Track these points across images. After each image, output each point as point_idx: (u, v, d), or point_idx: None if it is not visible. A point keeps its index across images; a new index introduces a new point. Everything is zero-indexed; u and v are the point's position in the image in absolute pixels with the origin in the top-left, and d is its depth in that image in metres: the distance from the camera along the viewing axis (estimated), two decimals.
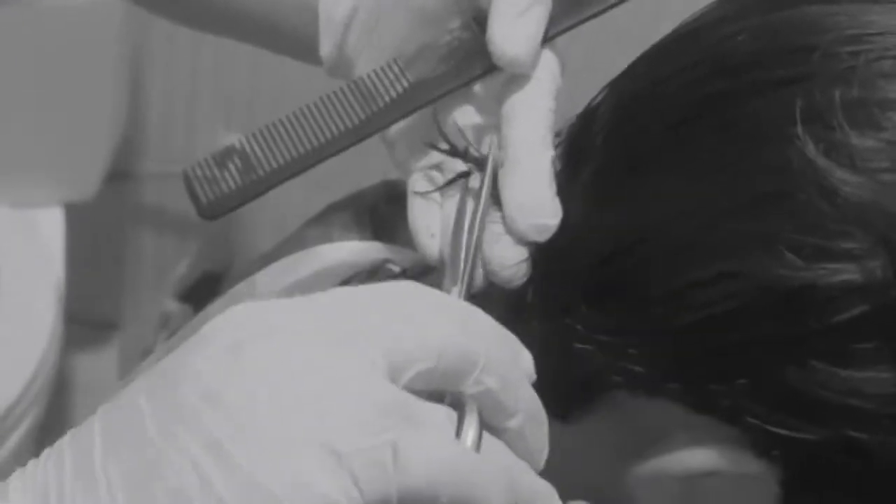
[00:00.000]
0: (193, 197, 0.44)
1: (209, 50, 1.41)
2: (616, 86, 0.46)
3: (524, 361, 0.37)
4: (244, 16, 0.53)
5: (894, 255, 0.35)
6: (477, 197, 0.43)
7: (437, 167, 0.46)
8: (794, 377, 0.37)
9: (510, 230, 0.42)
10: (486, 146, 0.44)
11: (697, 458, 0.41)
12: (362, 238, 0.67)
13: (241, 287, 0.64)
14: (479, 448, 0.34)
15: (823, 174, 0.36)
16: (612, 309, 0.41)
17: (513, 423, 0.36)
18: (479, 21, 0.43)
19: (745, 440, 0.39)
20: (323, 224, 0.66)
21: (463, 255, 0.42)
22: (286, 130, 0.43)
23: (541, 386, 0.45)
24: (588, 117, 0.46)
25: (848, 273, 0.36)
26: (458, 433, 0.34)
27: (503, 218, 0.43)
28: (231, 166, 0.43)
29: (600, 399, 0.43)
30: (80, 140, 1.29)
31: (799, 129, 0.37)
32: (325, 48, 0.48)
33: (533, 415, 0.37)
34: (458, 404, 0.35)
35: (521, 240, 0.42)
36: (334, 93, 0.44)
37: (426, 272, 0.57)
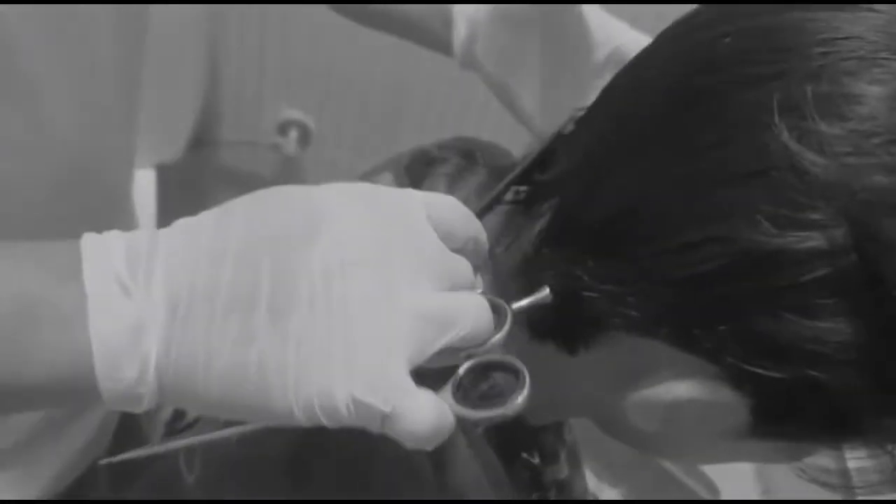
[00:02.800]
0: None
1: (274, 39, 1.40)
2: (620, 75, 0.45)
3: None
4: (396, 19, 0.62)
5: (854, 225, 0.35)
6: None
7: None
8: (767, 326, 0.37)
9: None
10: None
11: (682, 388, 0.41)
12: None
13: None
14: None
15: (796, 156, 0.35)
16: (614, 263, 0.40)
17: None
18: None
19: (723, 375, 0.39)
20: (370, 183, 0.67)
21: None
22: None
23: (550, 324, 0.45)
24: (601, 98, 0.46)
25: (814, 240, 0.35)
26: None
27: None
28: None
29: (601, 337, 0.43)
30: (170, 113, 1.30)
31: (776, 118, 0.36)
32: (458, 51, 0.55)
33: None
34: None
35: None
36: None
37: None
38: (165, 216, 1.37)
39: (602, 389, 0.45)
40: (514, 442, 0.53)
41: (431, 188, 0.67)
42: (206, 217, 0.36)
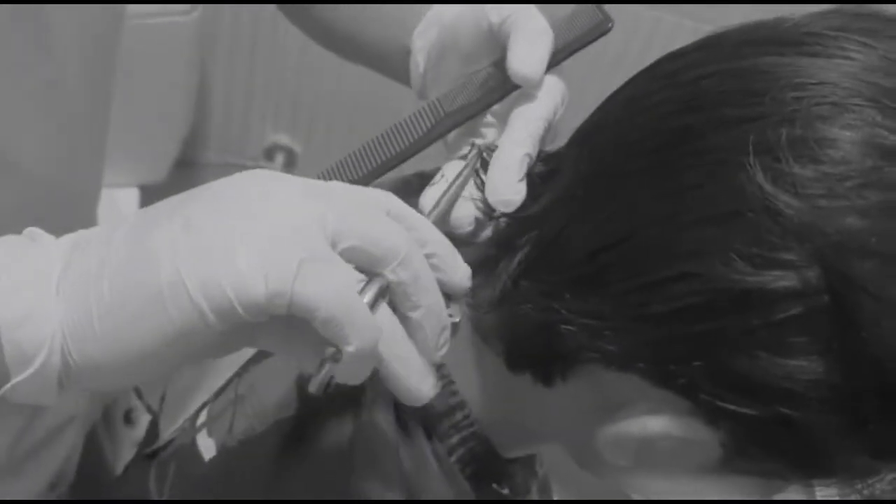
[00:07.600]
0: None
1: (261, 63, 1.41)
2: (600, 115, 0.45)
3: (460, 271, 0.40)
4: (358, 47, 0.62)
5: (826, 266, 0.35)
6: (458, 177, 0.48)
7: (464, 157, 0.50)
8: (741, 363, 0.37)
9: (487, 202, 0.46)
10: (469, 147, 0.49)
11: (655, 423, 0.41)
12: None
13: None
14: (374, 309, 0.36)
15: (770, 197, 0.36)
16: (593, 297, 0.40)
17: (415, 315, 0.37)
18: (498, 64, 0.48)
19: (696, 411, 0.39)
20: None
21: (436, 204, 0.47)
22: (366, 149, 0.49)
23: (528, 356, 0.45)
24: (578, 136, 0.46)
25: (787, 280, 0.35)
26: (360, 291, 0.36)
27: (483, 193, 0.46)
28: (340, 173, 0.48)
29: (578, 370, 0.43)
30: (155, 133, 1.29)
31: (752, 160, 0.36)
32: (415, 84, 0.55)
33: (435, 313, 0.38)
34: (371, 276, 0.36)
35: (492, 210, 0.46)
36: (400, 122, 0.49)
37: None
38: None
39: (577, 422, 0.45)
40: (486, 473, 0.52)
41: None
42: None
